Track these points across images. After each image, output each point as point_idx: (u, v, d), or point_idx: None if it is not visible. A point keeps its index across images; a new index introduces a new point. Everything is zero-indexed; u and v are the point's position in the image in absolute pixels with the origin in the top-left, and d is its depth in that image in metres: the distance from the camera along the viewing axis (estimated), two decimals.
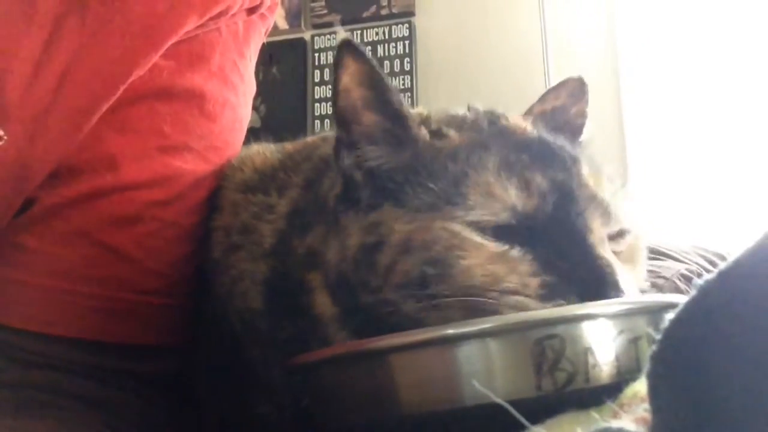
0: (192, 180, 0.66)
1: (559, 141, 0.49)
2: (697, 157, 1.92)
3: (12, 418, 0.56)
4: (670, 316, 0.42)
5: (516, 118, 0.53)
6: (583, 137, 0.57)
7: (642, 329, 0.40)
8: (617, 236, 0.46)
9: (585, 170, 0.46)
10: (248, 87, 0.74)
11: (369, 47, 2.38)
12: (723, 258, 0.91)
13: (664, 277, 0.85)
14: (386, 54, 2.34)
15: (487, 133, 0.48)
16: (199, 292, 0.66)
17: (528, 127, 0.51)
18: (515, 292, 0.40)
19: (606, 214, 0.44)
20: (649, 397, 0.26)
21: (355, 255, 0.47)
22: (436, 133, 0.49)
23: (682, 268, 0.88)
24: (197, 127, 0.66)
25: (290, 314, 0.53)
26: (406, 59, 2.32)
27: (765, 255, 0.23)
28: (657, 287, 0.84)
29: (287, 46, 2.41)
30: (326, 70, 2.39)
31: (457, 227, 0.43)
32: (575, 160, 0.47)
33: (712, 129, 1.91)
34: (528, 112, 0.58)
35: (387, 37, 2.35)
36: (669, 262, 0.92)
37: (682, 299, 0.44)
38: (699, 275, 0.85)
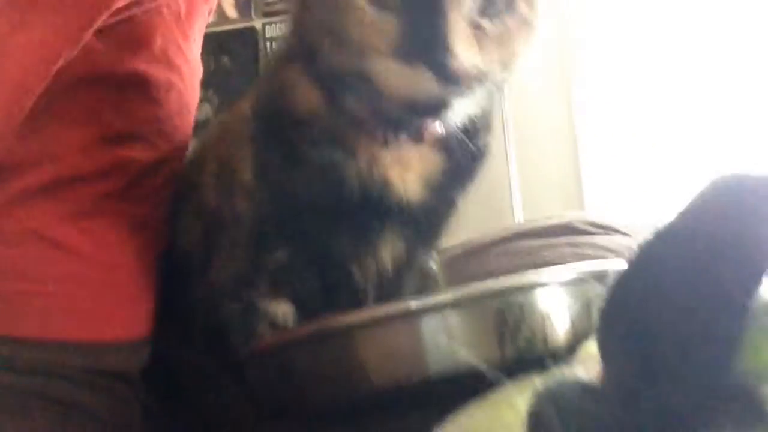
0: (141, 169, 0.64)
1: None
2: (648, 135, 1.96)
3: None
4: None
5: None
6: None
7: (593, 294, 0.42)
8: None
9: None
10: (194, 70, 0.73)
11: None
12: None
13: (614, 251, 0.89)
14: None
15: None
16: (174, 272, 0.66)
17: None
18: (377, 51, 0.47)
19: None
20: (599, 350, 0.28)
21: None
22: None
23: (631, 242, 0.92)
24: (142, 113, 0.65)
25: (278, 134, 0.56)
26: None
27: (694, 217, 0.26)
28: None
29: (237, 35, 2.37)
30: None
31: None
32: None
33: (664, 105, 1.95)
34: None
35: None
36: (618, 237, 0.97)
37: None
38: None
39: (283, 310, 0.57)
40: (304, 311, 0.57)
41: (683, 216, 0.26)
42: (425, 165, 0.56)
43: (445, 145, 0.56)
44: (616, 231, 0.99)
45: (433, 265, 0.65)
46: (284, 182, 0.57)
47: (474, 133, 0.58)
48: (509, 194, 1.89)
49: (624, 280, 0.27)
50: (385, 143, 0.55)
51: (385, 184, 0.54)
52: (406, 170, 0.55)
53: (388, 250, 0.57)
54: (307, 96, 0.56)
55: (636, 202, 1.92)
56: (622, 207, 1.92)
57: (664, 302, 0.25)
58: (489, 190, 1.89)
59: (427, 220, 0.58)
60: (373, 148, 0.54)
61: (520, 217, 1.87)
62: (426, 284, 0.64)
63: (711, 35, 1.88)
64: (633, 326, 0.26)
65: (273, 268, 0.58)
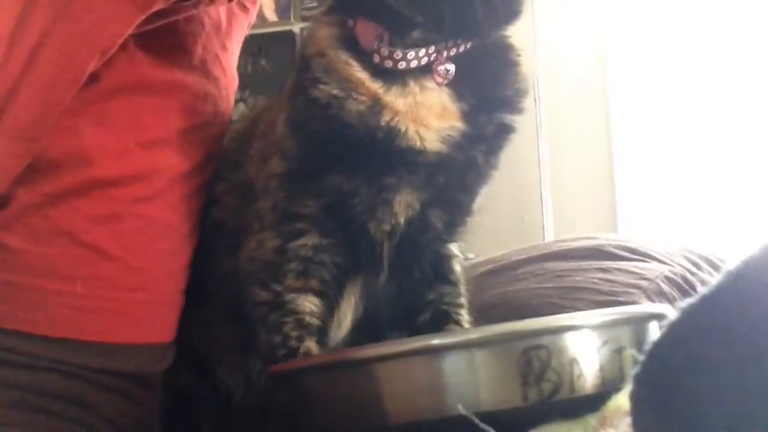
0: (174, 175, 0.65)
1: None
2: (686, 157, 1.93)
3: None
4: (654, 328, 0.43)
5: None
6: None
7: (626, 339, 0.40)
8: None
9: None
10: (230, 81, 0.74)
11: None
12: (708, 260, 0.93)
13: (647, 279, 0.86)
14: None
15: None
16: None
17: None
18: None
19: None
20: (631, 417, 0.26)
21: None
22: None
23: (666, 269, 0.89)
24: (177, 122, 0.66)
25: (300, 79, 0.58)
26: None
27: (745, 283, 0.24)
28: (640, 289, 0.85)
29: (276, 38, 2.39)
30: None
31: None
32: None
33: (701, 128, 1.92)
34: None
35: None
36: (653, 264, 0.94)
37: (664, 309, 0.45)
38: (683, 277, 0.86)
39: (309, 306, 0.57)
40: (329, 299, 0.58)
41: (729, 281, 0.24)
42: (439, 112, 0.55)
43: (461, 94, 0.56)
44: (649, 257, 0.96)
45: (457, 265, 0.63)
46: (304, 126, 0.57)
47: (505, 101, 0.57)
48: (541, 210, 1.86)
49: (665, 344, 0.25)
50: (390, 79, 0.54)
51: (396, 130, 0.53)
52: (419, 116, 0.54)
53: (402, 206, 0.56)
54: (321, 34, 0.58)
55: (669, 224, 1.88)
56: (655, 228, 1.88)
57: (709, 374, 0.23)
58: (521, 206, 1.87)
59: (443, 174, 0.56)
60: (376, 87, 0.54)
61: (551, 234, 1.84)
62: (444, 274, 0.62)
63: (750, 58, 1.85)
64: (672, 395, 0.24)
65: (300, 254, 0.58)
